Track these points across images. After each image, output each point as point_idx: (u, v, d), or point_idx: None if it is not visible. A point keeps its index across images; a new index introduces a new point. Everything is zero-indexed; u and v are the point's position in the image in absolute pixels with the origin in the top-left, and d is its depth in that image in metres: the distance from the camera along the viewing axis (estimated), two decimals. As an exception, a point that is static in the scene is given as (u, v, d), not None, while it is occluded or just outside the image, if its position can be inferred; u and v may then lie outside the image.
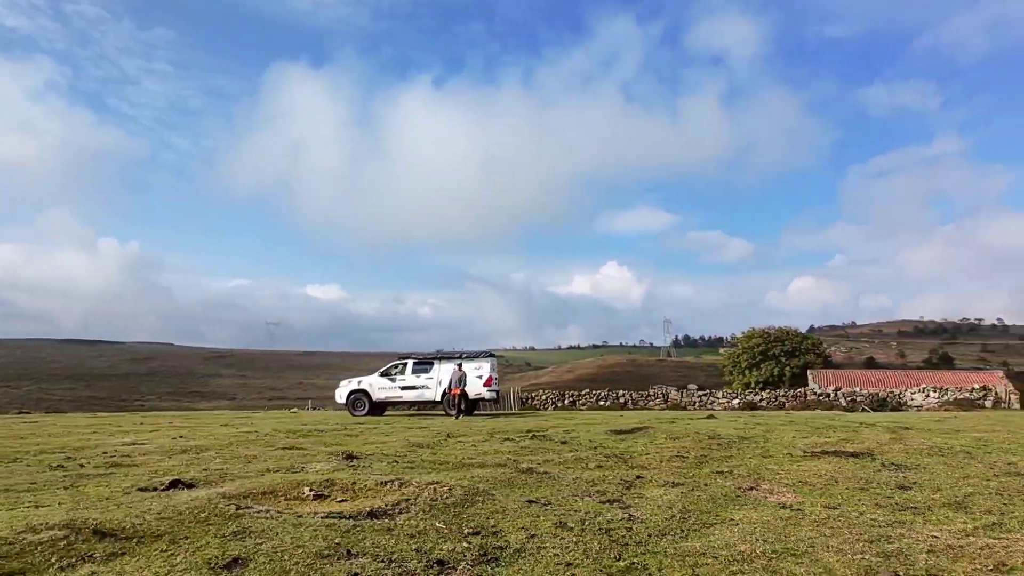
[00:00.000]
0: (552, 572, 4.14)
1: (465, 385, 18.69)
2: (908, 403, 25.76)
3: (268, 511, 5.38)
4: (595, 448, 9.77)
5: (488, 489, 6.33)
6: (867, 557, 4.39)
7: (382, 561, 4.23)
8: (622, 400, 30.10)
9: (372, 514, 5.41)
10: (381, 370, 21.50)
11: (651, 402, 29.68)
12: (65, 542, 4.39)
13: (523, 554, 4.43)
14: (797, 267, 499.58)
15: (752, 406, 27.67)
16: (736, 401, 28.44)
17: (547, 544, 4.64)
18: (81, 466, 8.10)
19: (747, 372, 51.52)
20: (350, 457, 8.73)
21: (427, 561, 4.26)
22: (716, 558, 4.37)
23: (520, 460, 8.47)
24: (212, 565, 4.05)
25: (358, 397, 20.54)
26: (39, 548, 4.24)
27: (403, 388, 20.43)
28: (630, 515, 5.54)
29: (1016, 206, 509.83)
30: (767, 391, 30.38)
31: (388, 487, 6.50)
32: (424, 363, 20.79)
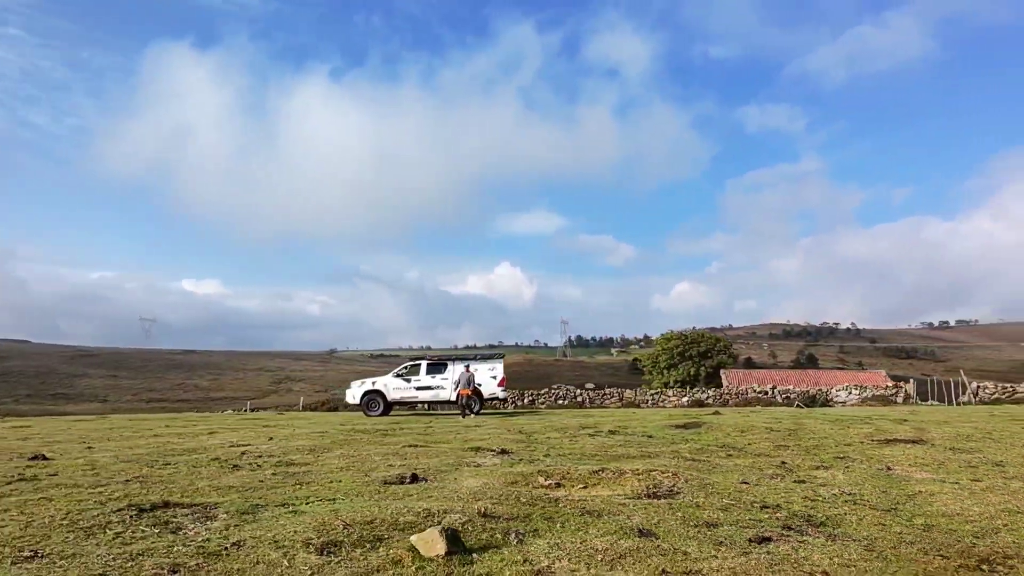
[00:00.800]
0: (869, 532, 5.22)
1: (473, 386, 19.28)
2: (834, 400, 29.19)
3: (584, 497, 6.14)
4: (687, 442, 10.92)
5: (699, 476, 7.31)
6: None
7: (744, 527, 5.15)
8: (579, 400, 31.64)
9: (655, 495, 6.28)
10: (395, 371, 21.62)
11: (607, 400, 31.45)
12: (481, 523, 4.98)
13: (833, 522, 5.49)
14: (679, 272, 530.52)
15: (701, 404, 30.08)
16: (686, 399, 30.81)
17: (840, 512, 5.74)
18: (259, 466, 8.23)
19: (666, 372, 54.96)
20: (504, 452, 9.37)
21: (756, 535, 5.19)
22: (969, 521, 5.62)
23: (655, 452, 9.47)
24: (626, 531, 4.81)
25: (372, 397, 20.60)
26: (472, 526, 4.81)
27: (418, 388, 20.70)
28: (840, 491, 6.72)
29: (865, 222, 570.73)
30: (712, 389, 33.06)
31: (604, 474, 7.34)
32: (438, 364, 21.14)
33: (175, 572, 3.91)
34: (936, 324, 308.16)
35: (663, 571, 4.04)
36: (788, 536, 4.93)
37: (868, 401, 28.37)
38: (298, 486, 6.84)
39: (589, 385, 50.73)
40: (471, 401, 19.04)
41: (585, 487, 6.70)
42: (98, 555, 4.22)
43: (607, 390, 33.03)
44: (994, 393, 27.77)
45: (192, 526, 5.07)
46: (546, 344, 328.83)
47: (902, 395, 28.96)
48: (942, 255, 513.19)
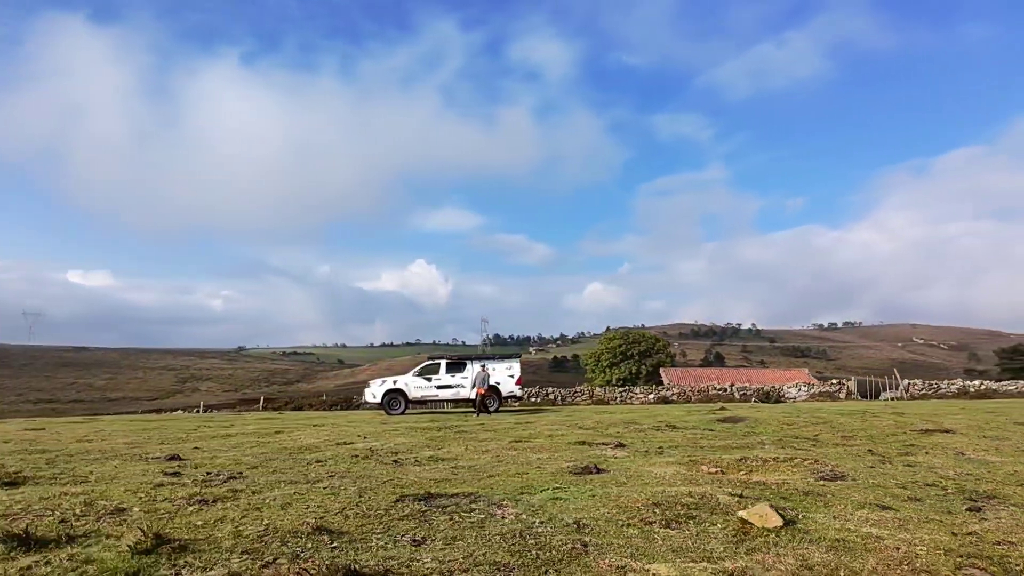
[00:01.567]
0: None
1: (488, 384, 19.80)
2: (786, 396, 31.75)
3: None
4: (759, 434, 12.12)
5: (834, 462, 8.43)
6: None
7: (943, 499, 6.25)
8: (551, 397, 32.70)
9: (831, 478, 7.31)
10: (414, 371, 21.72)
11: (578, 398, 32.68)
12: (691, 507, 5.81)
13: (999, 496, 6.69)
14: (592, 272, 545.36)
15: (666, 400, 31.91)
16: (652, 396, 32.55)
17: (990, 488, 6.97)
18: (420, 462, 8.64)
19: (608, 370, 57.15)
20: (621, 445, 10.18)
21: (968, 505, 6.34)
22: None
23: (750, 443, 10.57)
24: (871, 505, 5.78)
25: (394, 396, 20.70)
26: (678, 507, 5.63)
27: (439, 387, 20.96)
28: (957, 472, 8.01)
29: (763, 229, 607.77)
30: (676, 387, 34.98)
31: (753, 462, 8.32)
32: (457, 363, 21.48)
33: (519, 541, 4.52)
34: (826, 325, 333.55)
35: (953, 533, 5.03)
36: (989, 506, 6.07)
37: (816, 397, 31.14)
38: (492, 478, 7.38)
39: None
40: (489, 399, 19.60)
41: (757, 473, 7.64)
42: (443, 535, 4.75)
43: (576, 388, 34.33)
44: (922, 390, 31.25)
45: (492, 511, 5.60)
46: (464, 342, 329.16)
47: (844, 391, 31.98)
48: (829, 262, 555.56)
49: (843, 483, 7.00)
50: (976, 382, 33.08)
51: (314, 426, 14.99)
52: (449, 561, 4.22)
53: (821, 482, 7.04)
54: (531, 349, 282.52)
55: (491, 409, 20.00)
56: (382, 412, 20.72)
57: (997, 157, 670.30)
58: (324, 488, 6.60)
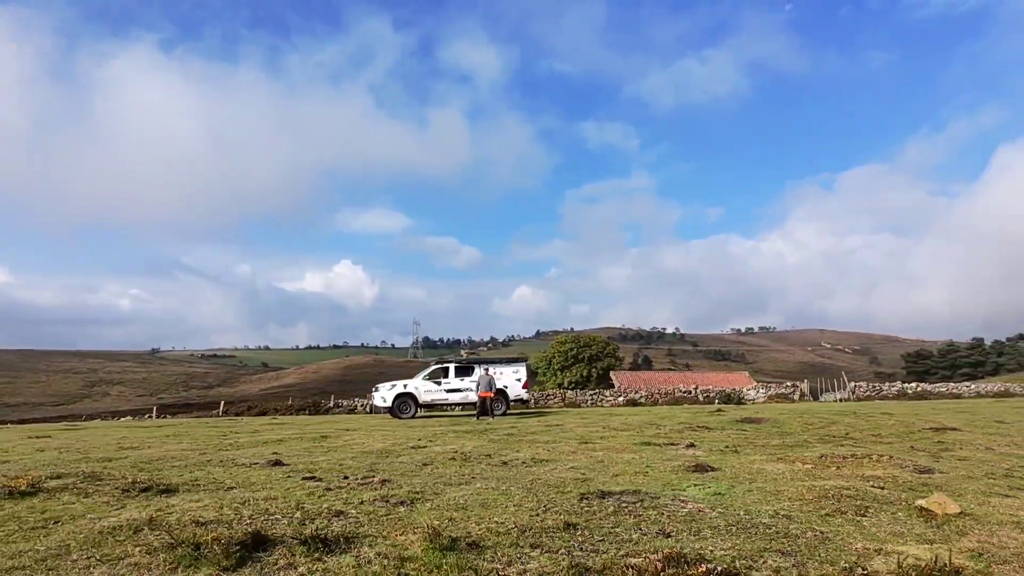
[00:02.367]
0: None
1: (494, 388, 19.96)
2: (745, 398, 33.51)
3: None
4: (796, 433, 13.04)
5: (904, 456, 9.34)
6: None
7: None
8: (524, 399, 33.08)
9: (923, 472, 8.16)
10: (423, 375, 21.55)
11: (551, 401, 33.31)
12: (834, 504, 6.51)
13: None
14: (520, 276, 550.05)
15: (634, 403, 33.03)
16: (621, 399, 33.59)
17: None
18: (505, 463, 8.95)
19: (559, 373, 58.11)
20: (692, 446, 10.80)
21: None
22: None
23: (800, 442, 11.42)
24: (997, 494, 6.60)
25: (404, 400, 20.53)
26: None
27: (448, 391, 20.94)
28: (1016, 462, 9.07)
29: (684, 236, 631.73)
30: (644, 390, 36.12)
31: (835, 459, 9.12)
32: (466, 368, 21.52)
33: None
34: (743, 330, 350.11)
35: (1089, 514, 5.87)
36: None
37: (774, 398, 33.08)
38: (619, 476, 7.81)
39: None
40: (495, 403, 19.82)
41: (850, 467, 8.41)
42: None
43: (548, 392, 34.96)
44: (867, 392, 33.78)
45: (677, 505, 6.04)
46: (393, 345, 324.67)
47: (798, 393, 34.13)
48: (744, 269, 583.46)
49: (941, 476, 7.84)
50: (914, 384, 36.15)
51: (347, 431, 14.87)
52: (728, 549, 4.64)
53: (920, 475, 7.85)
54: (462, 352, 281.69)
55: (497, 413, 20.23)
56: (386, 415, 20.63)
57: (895, 176, 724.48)
58: (489, 488, 6.84)
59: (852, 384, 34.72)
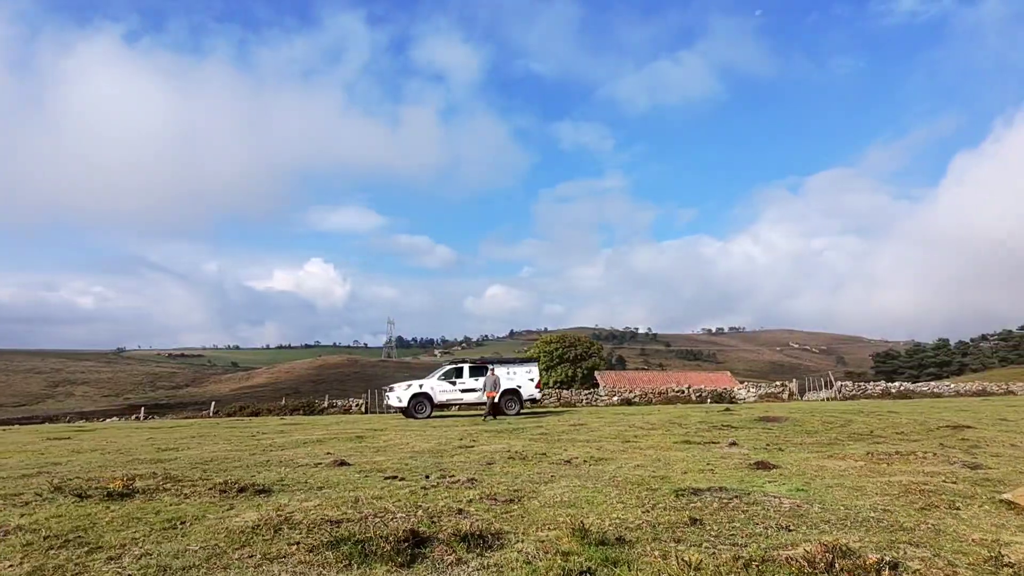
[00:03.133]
0: None
1: (501, 388, 20.01)
2: (736, 397, 34.19)
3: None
4: (824, 432, 13.43)
5: (943, 452, 9.73)
6: None
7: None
8: (520, 399, 33.30)
9: (973, 468, 8.54)
10: (438, 375, 21.56)
11: (547, 401, 33.52)
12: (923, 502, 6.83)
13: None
14: (493, 276, 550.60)
15: (629, 402, 33.45)
16: (616, 399, 33.97)
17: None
18: (568, 462, 9.12)
19: (544, 373, 58.48)
20: (734, 444, 11.07)
21: None
22: None
23: (832, 439, 11.79)
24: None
25: (420, 400, 20.55)
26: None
27: (463, 391, 20.99)
28: None
29: (658, 238, 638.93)
30: (638, 390, 36.57)
31: (903, 457, 9.47)
32: (481, 368, 21.59)
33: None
34: (713, 330, 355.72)
35: None
36: None
37: (764, 397, 33.83)
38: (687, 474, 8.03)
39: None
40: (510, 402, 19.96)
41: (901, 464, 8.76)
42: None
43: (545, 391, 35.21)
44: (852, 391, 34.73)
45: (770, 501, 6.27)
46: (366, 344, 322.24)
47: (787, 392, 34.94)
48: (714, 270, 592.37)
49: (993, 471, 8.20)
50: (897, 384, 37.30)
51: (376, 431, 14.87)
52: (857, 541, 4.87)
53: (973, 471, 8.21)
54: (436, 352, 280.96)
55: (511, 412, 20.41)
56: (397, 415, 20.61)
57: (859, 179, 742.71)
58: (579, 486, 6.99)
59: (839, 383, 35.66)
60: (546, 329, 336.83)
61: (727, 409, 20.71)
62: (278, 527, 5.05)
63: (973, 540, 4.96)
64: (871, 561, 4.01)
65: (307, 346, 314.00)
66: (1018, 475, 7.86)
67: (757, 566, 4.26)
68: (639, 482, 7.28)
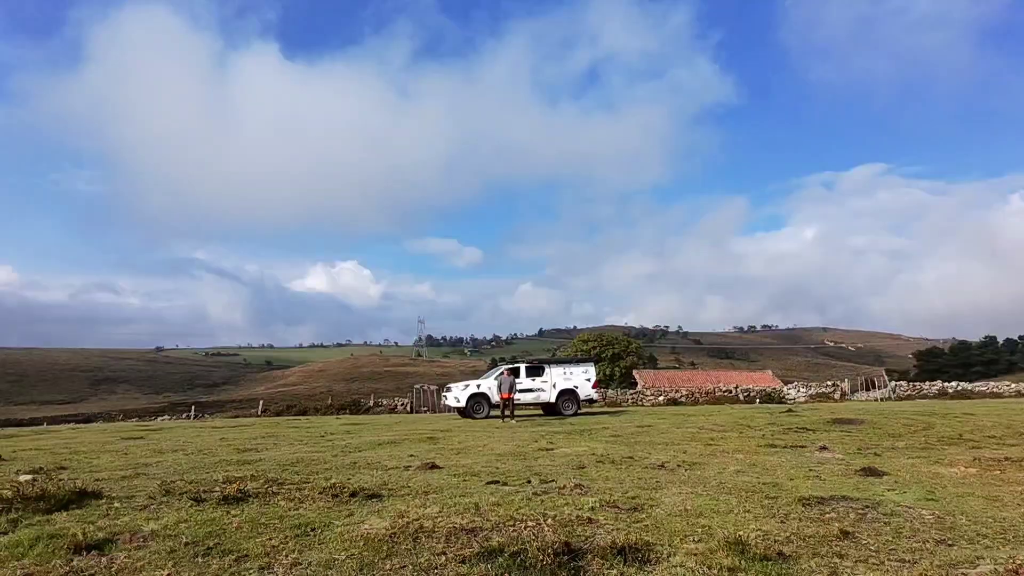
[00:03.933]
0: None
1: (515, 391, 19.26)
2: (786, 397, 33.47)
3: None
4: (906, 436, 12.96)
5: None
6: None
7: None
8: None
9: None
10: (492, 375, 21.53)
11: (591, 400, 33.28)
12: None
13: None
14: (522, 275, 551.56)
15: (675, 402, 32.97)
16: (662, 398, 33.53)
17: None
18: (662, 467, 8.87)
19: (583, 372, 58.20)
20: (825, 448, 10.70)
21: None
22: None
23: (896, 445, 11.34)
24: None
25: (478, 400, 20.54)
26: None
27: (520, 391, 20.89)
28: None
29: (688, 233, 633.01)
30: (685, 390, 36.08)
31: (1013, 463, 9.03)
32: (537, 368, 21.49)
33: None
34: (745, 328, 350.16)
35: None
36: None
37: (815, 397, 33.03)
38: (795, 480, 7.73)
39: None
40: (567, 403, 19.75)
41: (1016, 470, 8.34)
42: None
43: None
44: (907, 391, 33.71)
45: (905, 512, 5.95)
46: (396, 343, 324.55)
47: (839, 392, 34.07)
48: (747, 267, 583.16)
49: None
50: (954, 383, 36.07)
51: (445, 432, 14.79)
52: (1037, 558, 4.55)
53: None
54: (466, 351, 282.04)
55: (568, 413, 20.26)
56: (453, 414, 20.56)
57: (892, 176, 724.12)
58: (691, 493, 6.76)
59: (893, 383, 34.65)
60: (575, 327, 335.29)
61: (789, 411, 20.18)
62: (415, 536, 4.92)
63: None
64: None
65: (340, 345, 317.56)
66: None
67: (947, 586, 3.99)
68: (753, 489, 7.01)
